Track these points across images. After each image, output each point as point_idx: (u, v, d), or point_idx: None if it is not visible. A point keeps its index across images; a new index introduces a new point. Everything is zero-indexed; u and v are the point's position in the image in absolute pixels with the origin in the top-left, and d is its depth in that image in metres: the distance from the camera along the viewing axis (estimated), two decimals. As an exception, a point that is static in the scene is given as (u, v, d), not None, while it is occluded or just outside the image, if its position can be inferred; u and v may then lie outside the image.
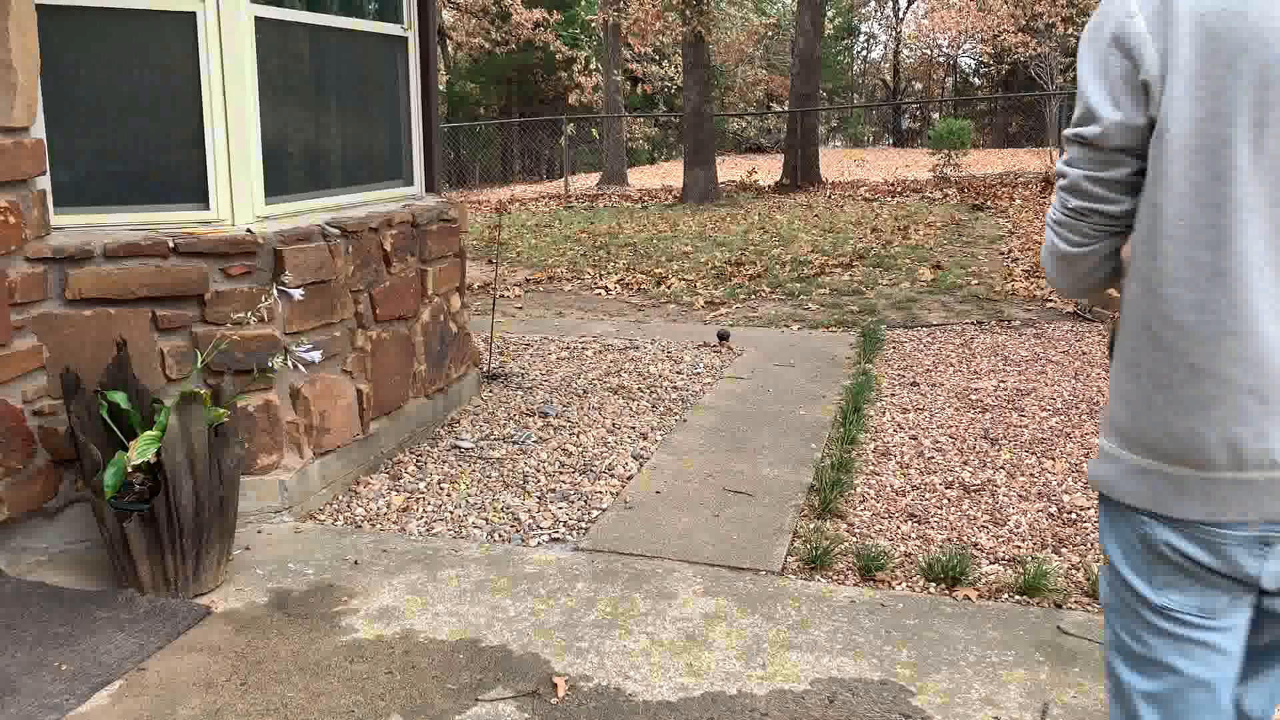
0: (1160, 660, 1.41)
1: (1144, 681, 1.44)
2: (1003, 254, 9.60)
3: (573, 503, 3.81)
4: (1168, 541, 1.36)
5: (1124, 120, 1.31)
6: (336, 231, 3.78)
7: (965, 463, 4.18)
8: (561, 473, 4.13)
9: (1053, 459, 4.21)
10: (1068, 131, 1.40)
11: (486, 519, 3.68)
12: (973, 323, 7.04)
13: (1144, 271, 1.34)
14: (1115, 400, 1.42)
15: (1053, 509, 3.70)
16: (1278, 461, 1.28)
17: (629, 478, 4.05)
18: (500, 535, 3.54)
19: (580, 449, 4.42)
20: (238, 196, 3.57)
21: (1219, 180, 1.26)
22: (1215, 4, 1.25)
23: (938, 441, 4.45)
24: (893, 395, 5.19)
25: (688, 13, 15.63)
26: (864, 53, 42.76)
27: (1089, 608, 2.95)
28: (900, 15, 38.16)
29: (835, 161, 22.33)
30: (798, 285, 8.47)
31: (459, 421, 4.79)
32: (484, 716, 2.44)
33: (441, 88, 19.71)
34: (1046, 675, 2.59)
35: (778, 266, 9.31)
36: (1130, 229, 1.38)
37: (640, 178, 22.63)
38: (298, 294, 3.40)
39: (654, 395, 5.20)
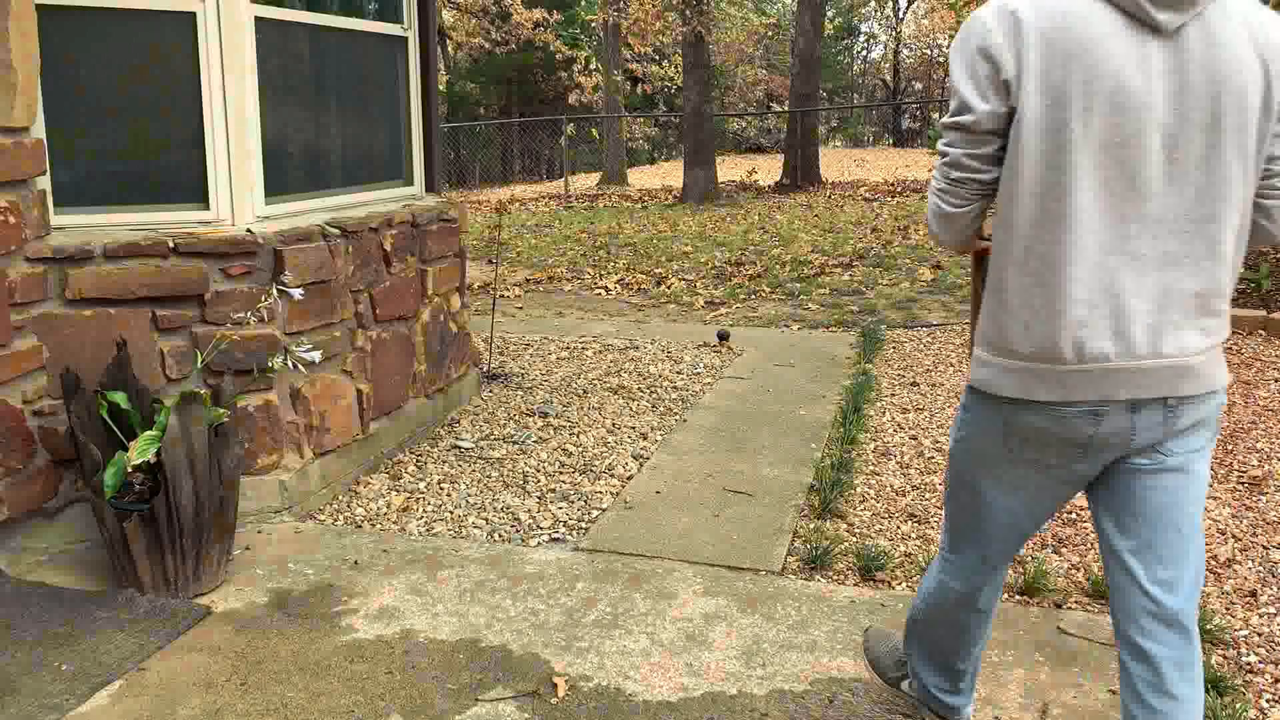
0: (980, 496, 1.99)
1: (955, 504, 2.07)
2: (1003, 254, 9.59)
3: (573, 503, 3.81)
4: (1028, 420, 1.83)
5: (991, 110, 1.73)
6: (336, 231, 3.78)
7: (965, 463, 4.18)
8: (561, 473, 4.13)
9: (1053, 459, 4.21)
10: (946, 120, 1.81)
11: (486, 519, 3.68)
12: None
13: (1008, 219, 1.79)
14: (988, 320, 1.87)
15: (1053, 509, 3.70)
16: (1108, 355, 1.74)
17: (629, 478, 4.05)
18: (500, 535, 3.54)
19: (580, 449, 4.42)
20: (238, 196, 3.57)
21: (1060, 150, 1.69)
22: (1051, 23, 1.68)
23: (938, 441, 4.45)
24: (893, 395, 5.19)
25: (688, 13, 15.63)
26: (864, 53, 42.79)
27: (1089, 608, 2.95)
28: (900, 15, 38.16)
29: (835, 161, 22.34)
30: (798, 285, 8.48)
31: (459, 421, 4.79)
32: (484, 716, 2.44)
33: (441, 88, 19.71)
34: (1046, 675, 2.59)
35: (778, 266, 9.31)
36: (994, 192, 1.81)
37: (640, 178, 22.64)
38: (298, 294, 3.40)
39: (654, 395, 5.20)
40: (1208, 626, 2.75)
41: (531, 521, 3.65)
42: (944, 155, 1.84)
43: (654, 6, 17.42)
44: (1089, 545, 3.39)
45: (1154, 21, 1.66)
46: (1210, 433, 1.85)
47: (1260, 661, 2.67)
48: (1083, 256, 1.72)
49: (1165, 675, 1.83)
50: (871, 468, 4.15)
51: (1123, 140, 1.68)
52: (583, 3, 27.62)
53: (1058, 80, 1.67)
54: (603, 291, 8.55)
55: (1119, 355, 1.74)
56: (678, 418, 4.82)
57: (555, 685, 2.56)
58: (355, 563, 3.29)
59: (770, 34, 31.68)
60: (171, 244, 3.38)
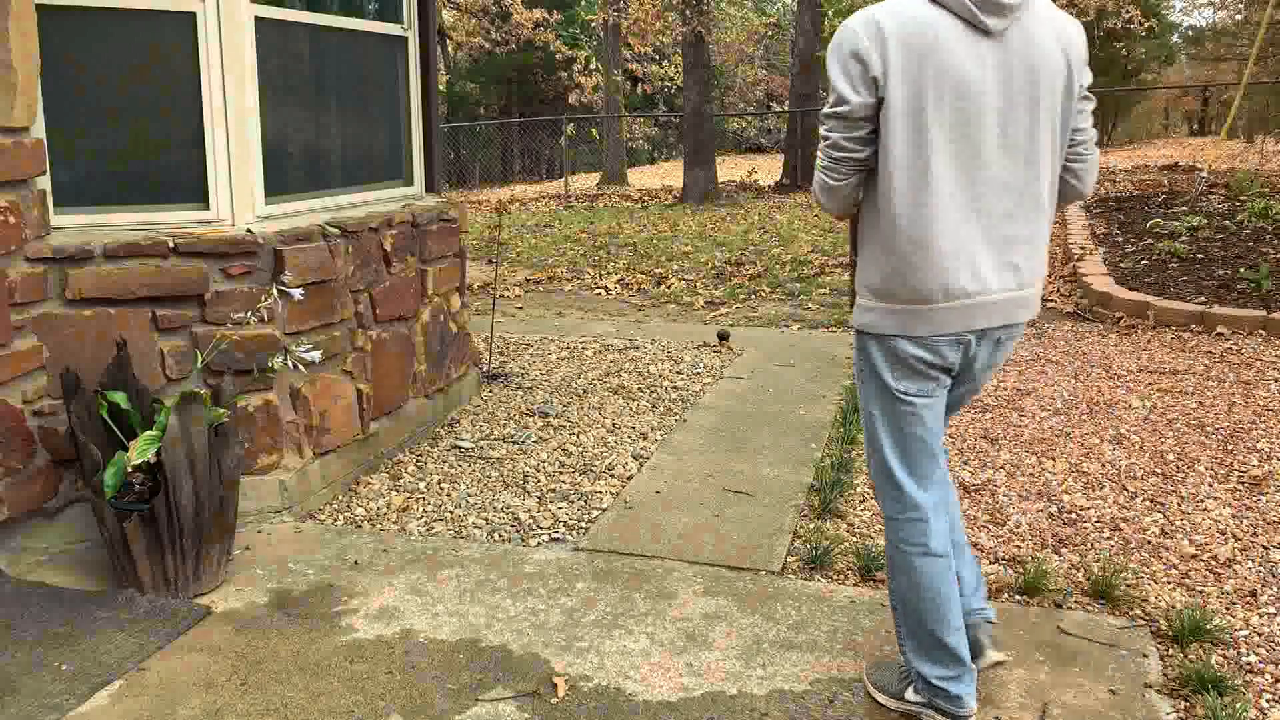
0: (895, 425, 2.34)
1: (893, 436, 2.36)
2: (1003, 254, 9.59)
3: (573, 503, 3.81)
4: (908, 351, 2.25)
5: (863, 101, 2.13)
6: (336, 231, 3.78)
7: (965, 463, 4.18)
8: (561, 473, 4.13)
9: (1053, 459, 4.21)
10: (827, 110, 2.19)
11: (486, 519, 3.68)
12: (973, 323, 7.04)
13: (883, 189, 2.18)
14: (869, 272, 2.26)
15: (1053, 509, 3.70)
16: (968, 291, 2.18)
17: (629, 478, 4.05)
18: (500, 535, 3.54)
19: (580, 449, 4.42)
20: (238, 196, 3.57)
21: (920, 130, 2.11)
22: (906, 30, 2.09)
23: (938, 441, 4.45)
24: (893, 395, 5.19)
25: (688, 13, 15.63)
26: (864, 53, 42.68)
27: (1089, 608, 2.95)
28: (900, 15, 38.05)
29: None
30: (798, 285, 8.47)
31: (459, 421, 4.79)
32: (484, 716, 2.44)
33: (441, 88, 19.69)
34: (1046, 675, 2.59)
35: (778, 266, 9.31)
36: (869, 168, 2.21)
37: (640, 178, 22.64)
38: (298, 294, 3.40)
39: (654, 395, 5.20)
40: (1208, 626, 2.75)
41: (531, 521, 3.65)
42: (826, 139, 2.22)
43: (654, 6, 17.40)
44: (1089, 545, 3.39)
45: (985, 27, 2.09)
46: (999, 369, 2.52)
47: (1260, 661, 2.67)
48: (944, 215, 2.14)
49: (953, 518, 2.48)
50: (871, 468, 4.14)
51: (967, 120, 2.12)
52: (583, 3, 27.62)
53: (914, 75, 2.09)
54: (603, 291, 8.54)
55: (976, 293, 2.19)
56: (678, 418, 4.82)
57: (555, 685, 2.56)
58: (355, 563, 3.29)
59: (770, 34, 31.66)
60: (171, 244, 3.38)
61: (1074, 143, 2.29)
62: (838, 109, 2.15)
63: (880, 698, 2.49)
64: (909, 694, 2.43)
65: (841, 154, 2.20)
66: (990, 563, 3.28)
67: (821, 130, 2.24)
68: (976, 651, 2.43)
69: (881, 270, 2.23)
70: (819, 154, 2.26)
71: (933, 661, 2.34)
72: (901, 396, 2.30)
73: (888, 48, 2.09)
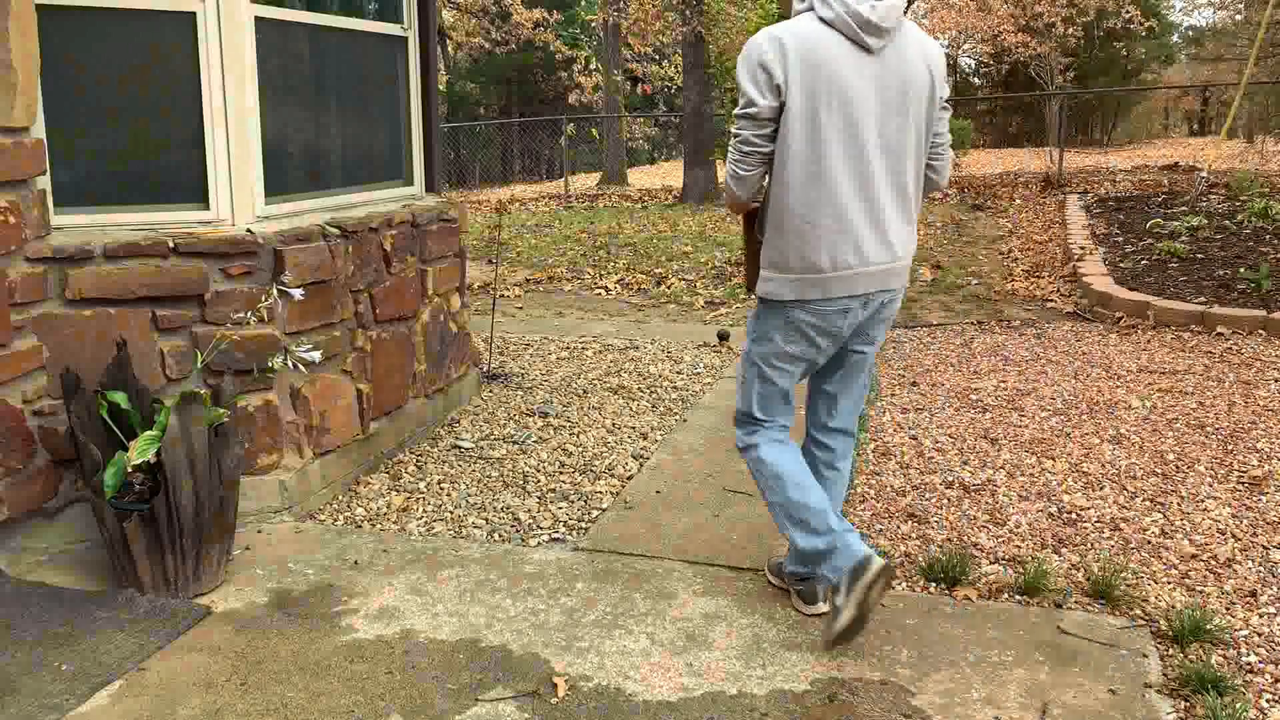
0: (768, 376, 2.84)
1: (762, 386, 2.87)
2: (1003, 254, 9.60)
3: (573, 503, 3.81)
4: (802, 319, 2.70)
5: (769, 104, 2.54)
6: (336, 231, 3.78)
7: (965, 463, 4.18)
8: (561, 473, 4.13)
9: (1053, 459, 4.21)
10: (738, 111, 2.58)
11: (486, 519, 3.68)
12: (973, 323, 7.04)
13: (783, 178, 2.59)
14: (771, 250, 2.67)
15: (1053, 509, 3.70)
16: (851, 265, 2.62)
17: (629, 478, 4.05)
18: (500, 535, 3.55)
19: (580, 449, 4.42)
20: (238, 196, 3.57)
21: (816, 130, 2.53)
22: (804, 46, 2.51)
23: (938, 441, 4.45)
24: (893, 395, 5.19)
25: (688, 13, 15.62)
26: (864, 53, 42.67)
27: (1089, 608, 2.95)
28: (900, 15, 38.07)
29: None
30: (798, 285, 8.47)
31: (459, 421, 4.79)
32: (484, 716, 2.44)
33: (441, 88, 19.68)
34: (1046, 675, 2.59)
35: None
36: (770, 161, 2.62)
37: (640, 178, 22.63)
38: (298, 294, 3.40)
39: (654, 395, 5.20)
40: (1208, 626, 2.75)
41: (531, 521, 3.65)
42: (737, 136, 2.61)
43: (654, 6, 17.40)
44: (1089, 545, 3.39)
45: (867, 46, 2.52)
46: (888, 327, 2.87)
47: (1260, 661, 2.67)
48: (834, 201, 2.58)
49: (837, 456, 3.00)
50: (871, 468, 4.15)
51: (853, 123, 2.55)
52: (583, 3, 27.61)
53: (810, 84, 2.51)
54: (603, 291, 8.54)
55: (858, 264, 2.63)
56: (678, 418, 4.82)
57: (555, 685, 2.56)
58: (355, 563, 3.29)
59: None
60: (171, 244, 3.38)
61: (934, 144, 2.73)
62: (748, 110, 2.57)
63: (775, 580, 3.07)
64: (789, 566, 2.98)
65: (751, 149, 2.61)
66: (990, 563, 3.28)
67: (733, 129, 2.63)
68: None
69: (783, 248, 2.65)
70: (730, 150, 2.65)
71: (805, 532, 2.75)
72: (785, 357, 2.79)
73: (789, 61, 2.50)
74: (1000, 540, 3.45)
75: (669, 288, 8.53)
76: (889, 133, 2.58)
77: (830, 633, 2.59)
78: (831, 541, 2.66)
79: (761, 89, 2.53)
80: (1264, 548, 3.35)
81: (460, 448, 4.43)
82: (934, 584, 3.11)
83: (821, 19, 2.54)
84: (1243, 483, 3.92)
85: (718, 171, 16.74)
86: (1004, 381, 5.42)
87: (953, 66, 37.22)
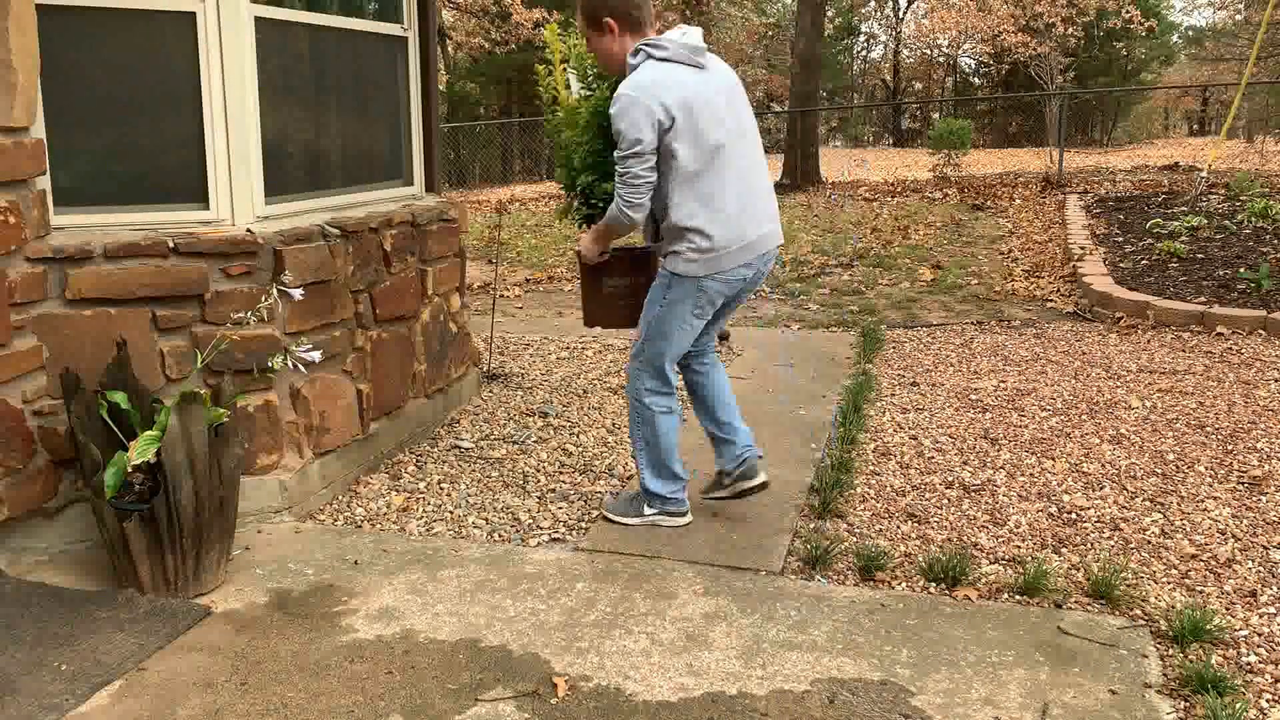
0: (669, 332, 3.34)
1: (664, 344, 3.36)
2: (1003, 254, 9.60)
3: (573, 503, 3.81)
4: (713, 288, 3.28)
5: (653, 141, 3.11)
6: (336, 231, 3.78)
7: (965, 463, 4.18)
8: (561, 473, 4.13)
9: (1053, 459, 4.21)
10: (627, 152, 3.11)
11: (486, 519, 3.68)
12: (973, 323, 7.04)
13: (687, 187, 3.18)
14: (689, 239, 3.21)
15: (1053, 509, 3.70)
16: (749, 237, 3.25)
17: (629, 477, 4.05)
18: (500, 535, 3.55)
19: (580, 449, 4.42)
20: (238, 196, 3.57)
21: (701, 142, 3.15)
22: (668, 82, 3.12)
23: (938, 441, 4.45)
24: (893, 395, 5.19)
25: (688, 13, 15.62)
26: (864, 53, 42.73)
27: (1089, 608, 2.95)
28: (900, 15, 38.15)
29: (835, 161, 22.33)
30: (798, 285, 8.48)
31: (459, 421, 4.79)
32: (484, 716, 2.44)
33: (441, 88, 19.65)
34: (1046, 675, 2.59)
35: (778, 266, 9.31)
36: (654, 187, 3.19)
37: (640, 178, 22.54)
38: (298, 294, 3.40)
39: (654, 395, 5.20)
40: (1208, 626, 2.75)
41: (531, 521, 3.65)
42: (627, 172, 3.14)
43: (654, 6, 17.39)
44: (1089, 545, 3.39)
45: (699, 64, 3.22)
46: (756, 287, 3.47)
47: (1260, 661, 2.67)
48: (729, 191, 3.21)
49: (713, 370, 3.65)
50: (871, 468, 4.15)
51: (720, 123, 3.20)
52: (583, 3, 27.51)
53: (683, 109, 3.11)
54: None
55: (754, 235, 3.27)
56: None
57: (555, 685, 2.56)
58: (355, 563, 3.29)
59: (770, 34, 31.68)
60: (171, 244, 3.38)
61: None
62: (637, 148, 3.09)
63: (626, 520, 3.53)
64: (646, 510, 3.52)
65: (641, 181, 3.14)
66: (990, 563, 3.28)
67: (619, 169, 3.14)
68: (752, 474, 3.52)
69: (691, 236, 3.20)
70: (619, 188, 3.16)
71: (664, 480, 3.48)
72: (694, 320, 3.34)
73: (671, 105, 3.09)
74: (1000, 540, 3.45)
75: (669, 288, 8.52)
76: (736, 124, 3.26)
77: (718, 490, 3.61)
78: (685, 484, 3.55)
79: (650, 130, 3.09)
80: (1264, 548, 3.35)
81: (460, 448, 4.43)
82: (934, 584, 3.11)
83: (662, 59, 3.16)
84: (1243, 483, 3.92)
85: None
86: (1004, 381, 5.42)
87: (953, 67, 37.26)
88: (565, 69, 3.80)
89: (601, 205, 3.52)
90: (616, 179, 3.17)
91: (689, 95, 3.11)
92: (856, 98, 41.48)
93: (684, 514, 3.54)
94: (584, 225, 3.67)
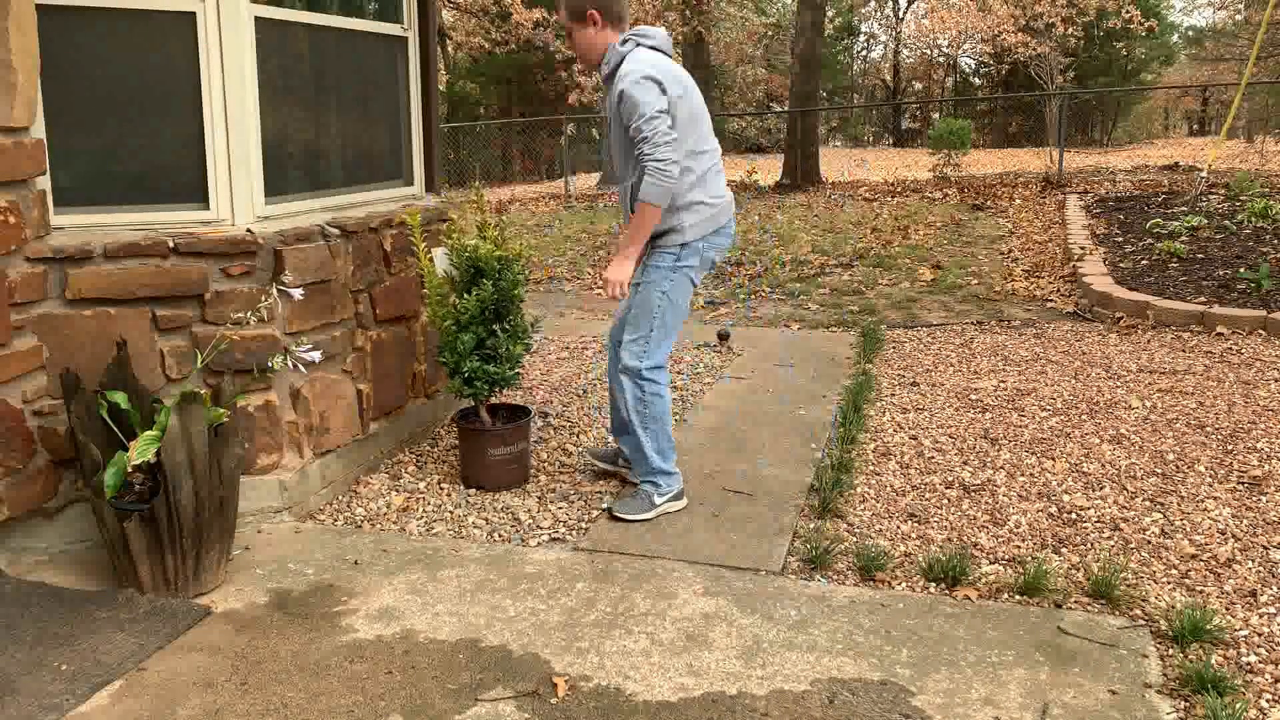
0: (680, 304, 3.64)
1: (674, 317, 3.64)
2: (1003, 254, 9.60)
3: (572, 503, 3.81)
4: (709, 255, 3.65)
5: (665, 105, 3.37)
6: (336, 231, 3.78)
7: (965, 463, 4.18)
8: (561, 473, 4.13)
9: (1053, 459, 4.21)
10: (649, 114, 3.32)
11: (486, 519, 3.68)
12: (973, 323, 7.04)
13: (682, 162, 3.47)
14: (690, 211, 3.53)
15: (1053, 509, 3.70)
16: (727, 196, 3.68)
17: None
18: (500, 535, 3.55)
19: (580, 449, 4.41)
20: (238, 196, 3.57)
21: (691, 119, 3.51)
22: (678, 73, 3.50)
23: (938, 441, 4.45)
24: (893, 395, 5.19)
25: (688, 13, 15.62)
26: (864, 53, 42.73)
27: (1089, 608, 2.95)
28: (900, 15, 38.14)
29: (835, 161, 22.32)
30: (798, 285, 8.48)
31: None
32: (484, 716, 2.44)
33: (441, 88, 19.66)
34: (1046, 675, 2.59)
35: (778, 266, 9.31)
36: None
37: (640, 178, 22.54)
38: (298, 294, 3.40)
39: (654, 395, 5.20)
40: (1208, 626, 2.75)
41: (531, 521, 3.65)
42: (655, 131, 3.32)
43: (654, 6, 17.40)
44: (1089, 545, 3.39)
45: (671, 55, 3.62)
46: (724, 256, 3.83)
47: (1260, 661, 2.67)
48: (710, 162, 3.59)
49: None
50: (871, 468, 4.15)
51: (701, 108, 3.57)
52: (583, 2, 27.48)
53: (683, 88, 3.48)
54: (603, 291, 8.53)
55: (729, 199, 3.67)
56: (678, 418, 4.82)
57: (555, 685, 2.56)
58: (355, 563, 3.29)
59: (770, 34, 31.66)
60: (171, 244, 3.38)
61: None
62: (657, 111, 3.33)
63: (641, 517, 3.60)
64: (656, 500, 3.63)
65: (671, 137, 3.33)
66: (990, 563, 3.28)
67: (646, 135, 3.32)
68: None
69: (694, 206, 3.53)
70: (650, 153, 3.32)
71: (666, 459, 3.66)
72: (690, 290, 3.63)
73: (667, 78, 3.40)
74: (1000, 540, 3.45)
75: (669, 288, 8.52)
76: (704, 110, 3.63)
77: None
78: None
79: (658, 97, 3.35)
80: (1264, 548, 3.35)
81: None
82: (934, 584, 3.11)
83: (651, 48, 3.51)
84: (1243, 483, 3.92)
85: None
86: (1004, 381, 5.42)
87: (953, 67, 37.26)
88: (430, 254, 3.93)
89: (487, 389, 3.85)
90: (645, 148, 3.32)
91: (681, 75, 3.49)
92: (856, 98, 41.48)
93: (682, 496, 3.72)
94: (463, 397, 3.91)
